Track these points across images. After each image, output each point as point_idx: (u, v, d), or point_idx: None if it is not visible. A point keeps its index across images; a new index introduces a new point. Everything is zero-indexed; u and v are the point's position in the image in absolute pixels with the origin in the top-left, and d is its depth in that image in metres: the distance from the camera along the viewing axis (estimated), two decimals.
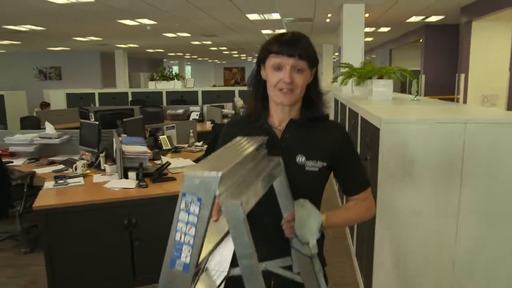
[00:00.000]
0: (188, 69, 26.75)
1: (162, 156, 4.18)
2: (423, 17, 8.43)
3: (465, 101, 7.16)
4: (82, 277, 3.02)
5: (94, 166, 3.97)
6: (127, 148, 3.56)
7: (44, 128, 4.96)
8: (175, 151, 4.85)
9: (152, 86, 11.47)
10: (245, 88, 11.40)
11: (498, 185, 2.18)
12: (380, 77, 4.13)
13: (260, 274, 1.04)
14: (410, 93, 4.45)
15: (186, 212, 1.00)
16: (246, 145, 1.19)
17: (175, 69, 19.09)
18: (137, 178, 3.37)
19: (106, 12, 6.79)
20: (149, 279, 3.07)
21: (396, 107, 3.21)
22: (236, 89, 11.08)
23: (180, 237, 1.01)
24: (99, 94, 11.26)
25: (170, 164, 3.58)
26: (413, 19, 8.61)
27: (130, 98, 11.16)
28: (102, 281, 3.06)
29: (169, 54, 18.66)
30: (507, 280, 2.26)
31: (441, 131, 2.19)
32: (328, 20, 8.46)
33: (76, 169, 3.78)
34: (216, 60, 26.21)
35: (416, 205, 2.25)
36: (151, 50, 16.19)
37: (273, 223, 1.32)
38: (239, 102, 9.27)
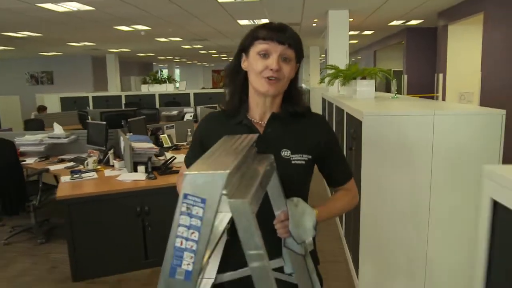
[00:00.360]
0: (177, 72, 26.99)
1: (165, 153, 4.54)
2: (404, 21, 8.93)
3: (444, 99, 7.64)
4: (100, 259, 3.38)
5: (103, 162, 4.33)
6: (136, 145, 3.92)
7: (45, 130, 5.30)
8: (175, 148, 5.21)
9: (145, 89, 11.79)
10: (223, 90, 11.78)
11: (462, 163, 2.59)
12: (363, 78, 4.53)
13: (272, 275, 0.99)
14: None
15: (188, 216, 0.92)
16: (240, 143, 1.11)
17: (165, 72, 19.33)
18: (146, 171, 3.73)
19: (104, 19, 7.10)
20: (159, 260, 3.42)
21: (377, 104, 3.62)
22: (228, 90, 11.46)
23: (181, 243, 0.93)
24: (93, 97, 11.53)
25: (176, 158, 3.95)
26: (395, 23, 9.11)
27: (123, 101, 11.46)
28: (118, 262, 3.42)
29: (159, 57, 18.92)
30: (468, 242, 2.67)
31: (414, 122, 2.60)
32: (314, 24, 8.90)
33: (87, 165, 4.13)
34: (205, 63, 26.52)
35: (395, 186, 2.66)
36: (141, 54, 16.48)
37: (263, 224, 1.13)
38: None
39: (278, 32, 1.25)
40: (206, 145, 1.25)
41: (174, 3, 6.00)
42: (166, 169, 3.80)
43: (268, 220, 1.21)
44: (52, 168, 4.35)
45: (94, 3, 5.72)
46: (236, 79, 1.35)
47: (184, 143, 5.52)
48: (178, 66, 27.22)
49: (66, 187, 3.52)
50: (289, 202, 1.22)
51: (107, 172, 3.96)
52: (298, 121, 1.36)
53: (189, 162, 1.41)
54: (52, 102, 11.71)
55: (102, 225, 3.34)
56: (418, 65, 9.75)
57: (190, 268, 0.93)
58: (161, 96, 11.43)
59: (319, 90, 9.48)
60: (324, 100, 6.52)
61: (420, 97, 5.55)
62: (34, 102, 13.83)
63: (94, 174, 3.85)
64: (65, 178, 3.75)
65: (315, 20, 8.35)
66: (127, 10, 6.32)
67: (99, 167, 4.15)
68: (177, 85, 11.83)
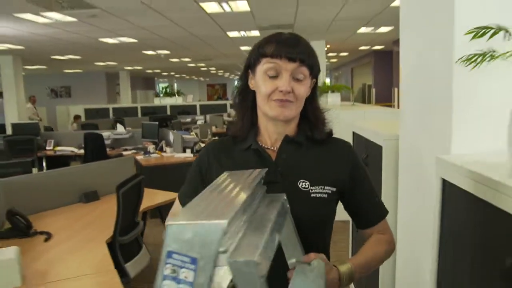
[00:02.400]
0: (175, 86, 29.23)
1: None
2: (369, 46, 11.30)
3: (398, 107, 9.96)
4: None
5: (158, 149, 6.46)
6: (185, 136, 6.08)
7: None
8: (202, 141, 7.37)
9: (157, 102, 13.96)
10: (224, 102, 14.02)
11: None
12: (332, 91, 6.77)
13: None
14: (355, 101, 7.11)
15: (174, 281, 0.64)
16: (245, 179, 0.87)
17: (163, 86, 21.51)
18: (192, 152, 5.88)
19: (139, 47, 9.30)
20: None
21: (339, 109, 5.83)
22: (228, 102, 13.72)
23: None
24: (113, 108, 13.64)
25: None
26: (363, 47, 11.48)
27: (139, 111, 13.58)
28: None
29: (163, 73, 21.12)
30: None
31: (355, 115, 4.76)
32: None
33: (149, 150, 6.26)
34: (201, 78, 28.77)
35: None
36: (149, 71, 18.65)
37: (276, 279, 0.84)
38: (232, 113, 11.92)
39: (289, 47, 1.03)
40: (207, 177, 1.12)
41: (188, 31, 7.99)
42: None
43: (279, 273, 0.90)
44: (124, 153, 6.47)
45: (139, 36, 7.92)
46: (244, 100, 1.14)
47: (206, 139, 7.69)
48: (175, 81, 29.45)
49: (144, 161, 5.65)
50: (297, 267, 0.91)
51: (164, 154, 6.09)
52: (319, 146, 1.13)
53: (184, 199, 1.17)
54: (76, 112, 13.75)
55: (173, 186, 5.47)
56: (382, 80, 12.13)
57: None
58: (172, 107, 13.58)
59: None
60: None
61: (381, 105, 7.79)
62: (55, 113, 15.99)
63: (156, 155, 5.98)
64: (139, 157, 5.87)
65: None
66: (159, 41, 8.51)
67: (157, 152, 6.29)
68: (188, 97, 13.97)
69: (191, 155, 5.77)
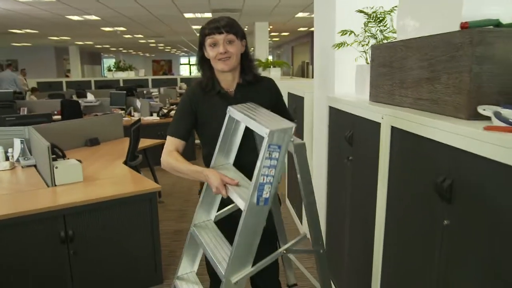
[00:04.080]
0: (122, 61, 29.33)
1: None
2: (307, 28, 12.74)
3: None
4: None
5: (127, 113, 7.53)
6: (151, 103, 7.20)
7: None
8: (164, 108, 8.48)
9: (110, 76, 14.67)
10: (175, 76, 15.14)
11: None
12: (274, 67, 8.12)
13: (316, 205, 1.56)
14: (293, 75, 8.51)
15: (269, 159, 1.39)
16: (259, 108, 1.67)
17: (114, 61, 21.90)
18: (158, 115, 7.03)
19: (99, 24, 10.10)
20: None
21: (279, 80, 7.18)
22: (178, 77, 14.75)
23: (263, 179, 1.40)
24: (67, 82, 14.21)
25: (173, 109, 7.28)
26: (302, 29, 12.90)
27: (93, 85, 14.25)
28: None
29: (111, 49, 21.48)
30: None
31: (291, 84, 6.12)
32: (246, 28, 12.45)
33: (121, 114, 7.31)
34: (147, 54, 29.13)
35: None
36: (99, 46, 19.07)
37: (249, 163, 1.61)
38: (183, 86, 12.98)
39: (216, 26, 1.67)
40: (197, 110, 1.78)
41: (144, 8, 8.83)
42: (167, 113, 7.13)
43: (252, 161, 1.49)
44: None
45: (104, 15, 8.77)
46: (204, 65, 1.78)
47: (166, 106, 8.81)
48: (122, 56, 29.60)
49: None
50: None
51: (133, 118, 7.17)
52: (256, 85, 1.83)
53: (177, 131, 1.80)
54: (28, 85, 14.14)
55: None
56: None
57: (268, 195, 1.42)
58: (125, 81, 14.36)
59: None
60: None
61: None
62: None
63: (127, 118, 7.07)
64: None
65: (246, 27, 11.89)
66: (120, 19, 9.39)
67: (126, 115, 7.37)
68: (140, 72, 14.77)
69: (158, 118, 6.91)
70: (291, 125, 1.44)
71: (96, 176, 3.26)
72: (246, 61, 1.81)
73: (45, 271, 2.60)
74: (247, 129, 1.70)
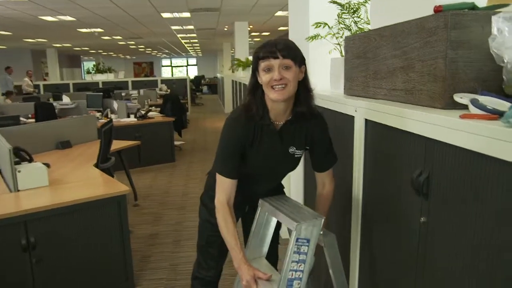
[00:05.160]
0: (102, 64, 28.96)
1: None
2: (287, 27, 12.67)
3: None
4: None
5: (104, 115, 7.34)
6: (128, 104, 7.03)
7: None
8: (141, 109, 8.31)
9: (89, 78, 14.41)
10: (155, 78, 14.96)
11: None
12: None
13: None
14: None
15: (298, 253, 1.36)
16: (289, 200, 1.69)
17: (93, 63, 21.55)
18: (135, 117, 6.86)
19: (75, 25, 9.86)
20: None
21: None
22: (159, 78, 14.56)
23: (292, 275, 1.36)
24: (44, 85, 13.92)
25: (150, 110, 7.11)
26: (282, 28, 12.81)
27: (71, 88, 13.97)
28: None
29: (90, 51, 21.15)
30: None
31: None
32: (226, 28, 12.32)
33: (97, 117, 7.12)
34: (128, 56, 28.80)
35: None
36: (78, 48, 18.73)
37: (262, 191, 1.73)
38: (163, 87, 12.79)
39: (273, 50, 1.48)
40: (246, 143, 1.60)
41: (120, 8, 8.60)
42: (145, 115, 6.96)
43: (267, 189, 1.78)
44: None
45: (79, 16, 8.58)
46: (256, 92, 1.58)
47: (144, 108, 8.64)
48: (102, 58, 29.19)
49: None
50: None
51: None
52: (304, 123, 1.63)
53: (233, 171, 1.63)
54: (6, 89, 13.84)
55: None
56: None
57: None
58: (104, 83, 14.12)
59: (229, 77, 12.93)
60: (233, 82, 9.96)
61: None
62: None
63: (104, 120, 6.87)
64: None
65: (226, 26, 11.77)
66: (97, 20, 9.20)
67: (103, 117, 7.17)
68: (120, 74, 14.55)
69: (135, 119, 6.75)
70: (320, 218, 1.41)
71: (63, 180, 3.11)
72: (303, 90, 1.59)
73: (5, 281, 2.43)
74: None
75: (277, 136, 1.62)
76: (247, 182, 1.70)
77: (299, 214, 1.46)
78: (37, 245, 2.49)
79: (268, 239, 1.78)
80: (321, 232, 1.42)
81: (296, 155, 1.67)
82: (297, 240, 1.35)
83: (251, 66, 1.59)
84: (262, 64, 1.50)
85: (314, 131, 1.67)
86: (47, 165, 3.52)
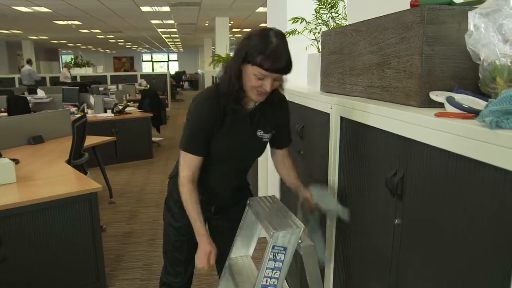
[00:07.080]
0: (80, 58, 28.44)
1: None
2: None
3: None
4: None
5: (80, 110, 7.17)
6: (105, 99, 6.88)
7: None
8: (119, 104, 8.15)
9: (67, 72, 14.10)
10: (135, 73, 14.70)
11: None
12: None
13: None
14: None
15: (274, 261, 1.34)
16: (277, 204, 1.60)
17: (71, 57, 21.13)
18: (112, 112, 6.72)
19: (51, 16, 9.61)
20: None
21: None
22: (138, 73, 14.34)
23: (266, 281, 1.35)
24: (19, 78, 13.56)
25: (128, 105, 6.98)
26: (263, 25, 12.74)
27: (48, 81, 13.65)
28: None
29: (68, 45, 20.72)
30: None
31: None
32: (207, 24, 12.19)
33: (73, 111, 6.96)
34: (107, 50, 28.33)
35: None
36: (55, 41, 18.31)
37: (228, 187, 1.78)
38: (143, 82, 12.60)
39: (278, 68, 1.43)
40: (215, 124, 1.56)
41: (99, 1, 8.42)
42: (122, 110, 6.83)
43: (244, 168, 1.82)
44: None
45: (55, 7, 8.36)
46: (236, 76, 1.47)
47: (122, 103, 8.48)
48: (80, 52, 28.67)
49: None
50: (314, 187, 1.67)
51: (87, 115, 6.84)
52: (272, 107, 1.64)
53: (200, 148, 1.58)
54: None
55: None
56: None
57: None
58: (82, 77, 13.86)
59: (210, 73, 12.83)
60: (213, 78, 9.85)
61: None
62: None
63: (80, 115, 6.71)
64: None
65: (207, 22, 11.64)
66: (73, 12, 8.98)
67: (79, 112, 7.00)
68: (98, 68, 14.29)
69: (112, 114, 6.60)
70: (299, 226, 1.36)
71: (33, 176, 2.99)
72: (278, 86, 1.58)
73: None
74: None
75: (247, 118, 1.63)
76: (212, 175, 1.68)
77: (280, 220, 1.41)
78: (2, 244, 2.38)
79: (255, 238, 1.74)
80: (300, 241, 1.37)
81: (264, 139, 1.68)
82: (273, 247, 1.32)
83: (238, 52, 1.48)
84: (260, 72, 1.44)
85: (281, 115, 1.71)
86: (16, 161, 3.40)
